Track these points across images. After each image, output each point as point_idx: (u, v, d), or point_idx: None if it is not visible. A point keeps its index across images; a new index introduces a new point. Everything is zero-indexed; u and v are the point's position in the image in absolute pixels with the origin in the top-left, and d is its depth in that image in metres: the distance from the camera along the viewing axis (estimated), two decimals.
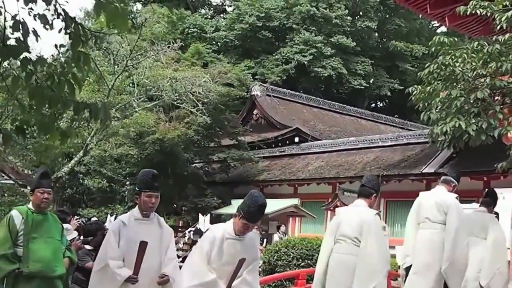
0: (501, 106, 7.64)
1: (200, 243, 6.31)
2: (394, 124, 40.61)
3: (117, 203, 29.69)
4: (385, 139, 28.64)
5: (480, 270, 8.77)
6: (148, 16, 25.51)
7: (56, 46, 5.05)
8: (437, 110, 7.93)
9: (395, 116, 45.21)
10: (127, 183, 29.99)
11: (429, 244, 8.31)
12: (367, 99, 51.12)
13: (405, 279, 8.64)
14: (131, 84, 25.79)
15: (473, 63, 7.50)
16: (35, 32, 4.61)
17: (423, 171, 22.65)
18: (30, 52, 4.59)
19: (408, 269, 8.58)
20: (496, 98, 7.79)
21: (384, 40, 50.95)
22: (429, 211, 8.46)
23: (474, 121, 7.56)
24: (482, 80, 7.50)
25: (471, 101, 7.60)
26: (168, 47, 26.22)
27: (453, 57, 7.62)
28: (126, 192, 29.97)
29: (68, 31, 4.54)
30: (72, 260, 7.52)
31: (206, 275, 5.95)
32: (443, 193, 8.45)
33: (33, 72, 4.48)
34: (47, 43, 6.50)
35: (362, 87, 47.29)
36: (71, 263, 7.51)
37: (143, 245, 6.26)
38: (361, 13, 49.09)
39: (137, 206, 6.66)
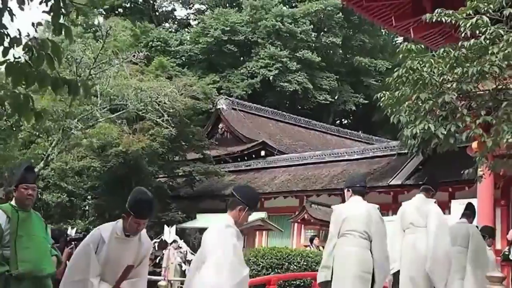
0: (468, 110, 7.92)
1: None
2: (360, 139, 41.04)
3: (77, 218, 29.26)
4: (352, 152, 29.00)
5: (463, 277, 9.11)
6: (112, 25, 25.48)
7: (33, 24, 4.89)
8: (406, 114, 8.17)
9: (360, 131, 45.73)
10: (89, 197, 29.77)
11: (414, 246, 8.91)
12: (333, 114, 51.52)
13: (392, 284, 9.02)
14: (95, 93, 25.41)
15: (440, 68, 7.76)
16: (10, 12, 4.55)
17: (390, 183, 23.00)
18: (7, 28, 4.52)
19: (396, 274, 8.99)
20: (463, 102, 8.06)
21: (349, 55, 51.44)
22: (412, 217, 9.15)
23: (442, 124, 7.82)
24: (449, 85, 7.76)
25: (439, 105, 7.86)
26: (134, 56, 26.14)
27: (420, 62, 7.87)
28: (87, 207, 29.74)
29: (49, 3, 4.52)
30: (59, 258, 7.29)
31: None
32: (423, 200, 9.24)
33: (10, 46, 4.41)
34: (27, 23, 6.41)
35: (328, 102, 47.73)
36: (58, 262, 7.24)
37: (128, 269, 6.14)
38: (326, 29, 49.55)
39: (121, 223, 6.20)
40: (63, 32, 4.69)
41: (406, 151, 24.86)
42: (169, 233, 23.69)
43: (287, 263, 13.92)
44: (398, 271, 8.98)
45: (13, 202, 6.59)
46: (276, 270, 13.74)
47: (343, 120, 56.21)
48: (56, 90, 4.76)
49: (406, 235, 9.20)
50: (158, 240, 24.89)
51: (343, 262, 7.79)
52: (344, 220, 8.00)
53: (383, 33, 55.43)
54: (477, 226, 10.35)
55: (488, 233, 10.96)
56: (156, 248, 25.52)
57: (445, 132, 7.72)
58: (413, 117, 8.13)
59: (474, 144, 15.40)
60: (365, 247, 7.82)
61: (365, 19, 49.00)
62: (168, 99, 25.83)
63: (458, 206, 14.69)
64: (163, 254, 24.02)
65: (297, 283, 13.42)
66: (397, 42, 54.20)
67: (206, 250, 5.84)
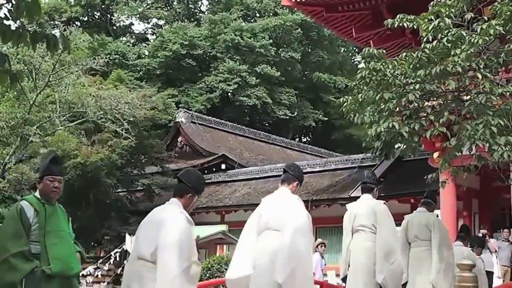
0: (432, 109, 8.15)
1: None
2: (320, 155, 41.30)
3: None
4: (313, 165, 29.25)
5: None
6: (70, 36, 25.37)
7: None
8: (370, 114, 8.39)
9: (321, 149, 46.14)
10: None
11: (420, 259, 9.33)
12: (292, 130, 51.82)
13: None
14: (53, 101, 25.32)
15: (403, 69, 8.00)
16: None
17: (351, 195, 23.24)
18: None
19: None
20: (426, 102, 8.31)
21: (308, 71, 51.91)
22: (417, 230, 9.51)
23: (406, 123, 8.04)
24: (412, 86, 7.99)
25: (403, 104, 8.10)
26: (94, 62, 26.14)
27: (384, 63, 8.10)
28: None
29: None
30: (82, 254, 6.77)
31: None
32: (427, 214, 9.67)
33: None
34: None
35: (287, 117, 48.08)
36: (81, 258, 6.74)
37: None
38: (285, 44, 49.91)
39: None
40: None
41: (367, 163, 25.30)
42: (130, 242, 23.51)
43: None
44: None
45: (37, 194, 6.19)
46: None
47: (302, 137, 56.54)
48: (35, 46, 4.69)
49: (412, 248, 9.66)
50: (120, 250, 24.69)
51: (355, 256, 8.61)
52: (355, 217, 8.74)
53: (342, 50, 56.14)
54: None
55: (477, 242, 11.83)
56: (112, 262, 25.26)
57: (409, 130, 7.93)
58: (377, 117, 8.32)
59: (436, 155, 15.83)
60: (374, 240, 8.52)
61: (323, 35, 49.86)
62: (128, 107, 25.81)
63: None
64: (124, 266, 23.90)
65: None
66: (355, 60, 55.08)
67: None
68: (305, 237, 7.15)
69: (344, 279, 8.93)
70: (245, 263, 7.14)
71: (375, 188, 9.16)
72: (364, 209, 8.74)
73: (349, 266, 8.78)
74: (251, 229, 7.46)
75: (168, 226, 5.67)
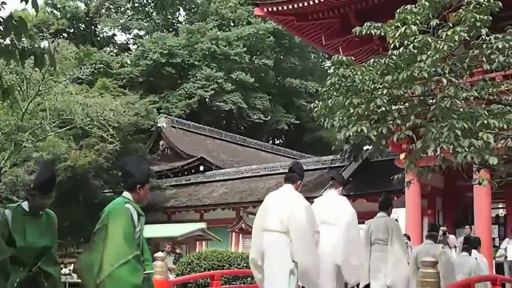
0: (399, 113, 7.93)
1: None
2: (293, 156, 41.14)
3: None
4: (286, 166, 28.97)
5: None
6: (57, 48, 25.17)
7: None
8: (339, 118, 8.13)
9: (294, 150, 46.08)
10: None
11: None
12: (266, 133, 51.79)
13: None
14: (44, 109, 25.26)
15: (371, 75, 7.76)
16: None
17: (322, 194, 23.05)
18: None
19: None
20: (394, 107, 8.08)
21: (281, 77, 51.88)
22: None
23: (374, 127, 7.81)
24: (380, 91, 7.77)
25: (371, 109, 7.86)
26: (80, 71, 26.16)
27: (352, 70, 7.87)
28: None
29: None
30: None
31: None
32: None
33: None
34: None
35: (261, 121, 47.99)
36: None
37: None
38: (258, 52, 49.85)
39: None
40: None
41: (337, 164, 25.14)
42: None
43: (227, 265, 13.96)
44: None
45: (130, 198, 5.64)
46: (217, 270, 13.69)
47: (276, 139, 56.46)
48: (23, 61, 4.69)
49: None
50: None
51: (375, 264, 9.19)
52: (372, 232, 9.37)
53: (313, 56, 56.13)
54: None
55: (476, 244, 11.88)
56: None
57: (377, 134, 7.72)
58: (346, 121, 8.11)
59: (402, 155, 15.68)
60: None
61: (295, 43, 49.82)
62: (113, 114, 25.79)
63: None
64: None
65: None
66: (325, 65, 55.07)
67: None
68: (355, 228, 8.60)
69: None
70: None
71: (391, 207, 9.68)
72: (381, 225, 9.32)
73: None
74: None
75: (297, 204, 7.30)
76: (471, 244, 11.54)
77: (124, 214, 5.44)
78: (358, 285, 9.31)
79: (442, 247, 12.31)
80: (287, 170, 25.63)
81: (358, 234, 8.81)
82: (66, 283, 23.87)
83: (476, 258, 11.33)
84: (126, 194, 5.60)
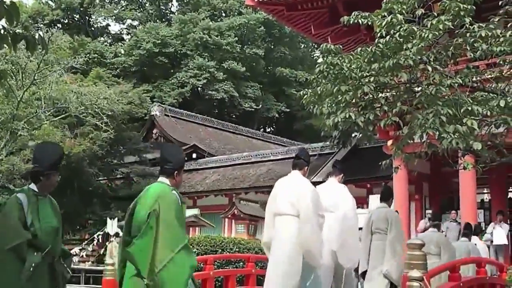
0: (386, 100, 7.98)
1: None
2: (283, 144, 41.25)
3: None
4: (276, 153, 29.20)
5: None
6: (52, 38, 25.10)
7: None
8: (328, 105, 8.18)
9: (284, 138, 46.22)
10: None
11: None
12: (257, 121, 51.86)
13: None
14: (39, 98, 25.28)
15: (359, 63, 7.80)
16: None
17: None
18: None
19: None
20: (380, 94, 8.13)
21: (271, 66, 51.93)
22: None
23: (362, 113, 7.87)
24: (367, 78, 7.81)
25: (359, 96, 7.91)
26: (74, 61, 26.12)
27: (340, 58, 7.90)
28: None
29: None
30: None
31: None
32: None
33: None
34: None
35: (252, 109, 48.15)
36: None
37: None
38: (249, 42, 49.89)
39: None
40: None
41: (326, 151, 25.22)
42: (111, 226, 23.47)
43: (220, 250, 13.94)
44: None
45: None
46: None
47: (266, 127, 56.54)
48: (15, 46, 4.65)
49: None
50: (102, 233, 24.67)
51: (375, 252, 9.29)
52: (373, 221, 9.50)
53: (302, 46, 56.15)
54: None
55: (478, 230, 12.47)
56: (96, 243, 25.29)
57: (365, 120, 7.77)
58: (335, 108, 8.15)
59: (389, 142, 15.75)
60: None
61: (285, 33, 49.84)
62: (107, 102, 25.79)
63: (375, 200, 14.92)
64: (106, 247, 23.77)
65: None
66: (315, 55, 55.10)
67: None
68: (353, 216, 8.74)
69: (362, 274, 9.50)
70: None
71: (391, 198, 9.89)
72: (381, 216, 9.40)
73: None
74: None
75: (303, 188, 7.56)
76: (471, 230, 11.85)
77: (174, 201, 5.60)
78: (357, 271, 9.44)
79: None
80: (278, 157, 25.67)
81: (355, 222, 8.87)
82: None
83: (475, 244, 11.76)
84: (163, 179, 5.78)
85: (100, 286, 8.39)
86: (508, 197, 20.29)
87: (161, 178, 5.80)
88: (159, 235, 5.37)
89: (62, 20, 51.88)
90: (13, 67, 23.85)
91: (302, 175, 8.03)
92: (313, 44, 52.96)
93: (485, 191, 20.42)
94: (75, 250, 25.61)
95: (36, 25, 45.82)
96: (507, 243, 16.87)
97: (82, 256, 25.82)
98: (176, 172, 5.81)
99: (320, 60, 8.52)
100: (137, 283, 5.39)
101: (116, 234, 24.02)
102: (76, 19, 54.08)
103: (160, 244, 5.35)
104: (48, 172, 5.70)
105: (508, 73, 7.68)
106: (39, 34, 5.10)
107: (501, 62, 7.62)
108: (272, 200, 7.93)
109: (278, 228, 7.69)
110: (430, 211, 17.62)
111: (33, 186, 5.76)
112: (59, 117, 26.11)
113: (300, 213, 7.61)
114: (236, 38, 47.91)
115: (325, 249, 8.00)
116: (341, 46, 8.63)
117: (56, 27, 47.36)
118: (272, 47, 52.53)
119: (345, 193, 8.87)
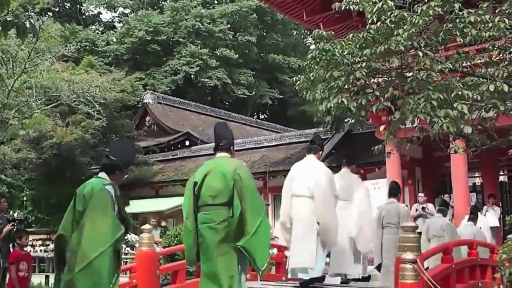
0: (377, 86, 8.11)
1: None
2: (276, 130, 41.30)
3: (16, 208, 28.83)
4: (270, 139, 29.28)
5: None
6: (43, 25, 25.00)
7: None
8: (321, 91, 8.31)
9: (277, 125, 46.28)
10: (26, 188, 29.15)
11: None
12: (251, 108, 51.88)
13: None
14: (30, 86, 25.15)
15: (350, 49, 7.91)
16: None
17: None
18: None
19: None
20: (372, 80, 8.25)
21: (264, 53, 51.89)
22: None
23: (354, 98, 8.00)
24: (359, 64, 7.92)
25: (351, 81, 8.03)
26: (66, 49, 26.06)
27: (332, 44, 8.01)
28: (25, 198, 29.11)
29: None
30: None
31: None
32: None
33: None
34: None
35: (246, 96, 48.13)
36: None
37: None
38: (241, 29, 49.80)
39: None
40: None
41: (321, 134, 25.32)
42: None
43: None
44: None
45: None
46: None
47: (260, 114, 56.58)
48: (6, 33, 4.71)
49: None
50: None
51: (387, 245, 9.64)
52: (383, 216, 9.89)
53: (295, 33, 56.13)
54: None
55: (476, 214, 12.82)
56: None
57: (357, 106, 7.90)
58: (327, 94, 8.27)
59: (382, 127, 15.88)
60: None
61: (277, 19, 49.77)
62: (99, 90, 25.73)
63: (369, 185, 15.10)
64: None
65: None
66: (307, 42, 55.11)
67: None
68: (368, 202, 9.50)
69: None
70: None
71: (399, 194, 10.31)
72: (392, 211, 9.81)
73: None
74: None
75: (319, 171, 8.36)
76: (476, 214, 12.54)
77: (248, 170, 6.45)
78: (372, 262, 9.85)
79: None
80: (271, 144, 25.80)
81: (370, 210, 9.92)
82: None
83: (480, 227, 12.42)
84: (223, 154, 6.50)
85: None
86: (499, 180, 20.54)
87: (220, 154, 6.48)
88: (247, 202, 6.03)
89: (52, 8, 51.50)
90: (4, 56, 23.75)
91: (316, 158, 8.80)
92: (305, 31, 52.94)
93: (476, 175, 20.64)
94: None
95: (27, 13, 45.66)
96: (498, 225, 17.09)
97: None
98: (232, 147, 6.60)
99: (312, 46, 8.62)
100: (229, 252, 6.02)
101: None
102: (67, 7, 53.74)
103: (250, 211, 6.04)
104: (125, 166, 6.40)
105: (497, 58, 7.78)
106: (30, 21, 5.17)
107: (490, 47, 7.73)
108: (289, 183, 8.71)
109: (295, 208, 8.43)
110: (422, 195, 17.80)
111: (105, 176, 6.29)
112: (51, 106, 25.96)
113: (316, 194, 8.39)
114: (229, 25, 47.84)
115: (343, 236, 8.91)
116: (333, 33, 8.74)
117: (47, 15, 47.06)
118: (264, 34, 52.51)
119: (359, 182, 9.80)
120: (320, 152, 9.03)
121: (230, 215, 6.04)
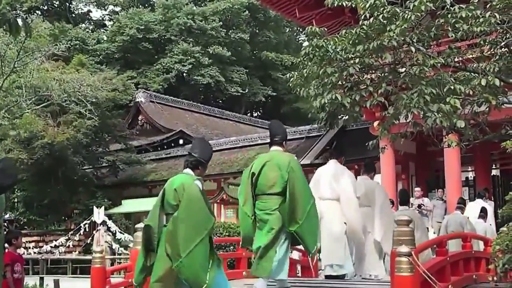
0: (371, 81, 8.22)
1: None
2: None
3: (7, 210, 28.74)
4: (264, 137, 29.28)
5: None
6: (32, 24, 24.94)
7: None
8: (314, 87, 8.42)
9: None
10: (17, 189, 29.12)
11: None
12: (244, 106, 51.95)
13: None
14: (19, 86, 25.07)
15: (344, 45, 8.01)
16: None
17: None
18: None
19: None
20: (366, 75, 8.36)
21: (257, 50, 51.91)
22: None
23: (348, 94, 8.11)
24: (352, 60, 8.02)
25: (345, 77, 8.15)
26: (55, 48, 25.92)
27: (325, 40, 8.11)
28: (16, 199, 29.10)
29: None
30: None
31: None
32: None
33: None
34: None
35: (239, 94, 48.21)
36: None
37: None
38: (234, 26, 49.86)
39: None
40: None
41: (314, 134, 25.46)
42: (98, 214, 23.51)
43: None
44: None
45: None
46: None
47: (253, 112, 56.69)
48: None
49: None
50: (88, 222, 24.69)
51: None
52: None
53: (287, 30, 56.24)
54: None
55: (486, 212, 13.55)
56: (82, 233, 25.31)
57: (351, 101, 8.00)
58: (321, 90, 8.37)
59: (376, 123, 16.03)
60: None
61: (270, 17, 49.84)
62: (90, 89, 25.71)
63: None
64: (93, 236, 23.86)
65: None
66: (300, 39, 55.22)
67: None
68: (389, 205, 10.04)
69: None
70: None
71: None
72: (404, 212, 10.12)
73: None
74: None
75: (343, 176, 9.13)
76: (486, 212, 13.36)
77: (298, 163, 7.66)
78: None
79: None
80: (266, 141, 25.91)
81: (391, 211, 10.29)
82: (48, 260, 23.89)
83: (490, 224, 13.76)
84: (276, 148, 7.64)
85: (88, 276, 8.76)
86: (492, 174, 20.75)
87: (274, 147, 7.60)
88: (299, 191, 7.22)
89: (41, 6, 51.36)
90: None
91: (339, 163, 9.53)
92: (298, 28, 53.10)
93: (469, 169, 20.83)
94: (61, 240, 25.62)
95: (15, 12, 45.53)
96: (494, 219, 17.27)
97: (68, 246, 25.69)
98: (284, 142, 7.65)
99: (305, 43, 8.71)
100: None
101: (103, 223, 24.16)
102: (56, 5, 53.57)
103: (301, 199, 7.24)
104: (207, 163, 7.03)
105: (489, 52, 7.90)
106: (22, 18, 5.20)
107: (481, 42, 7.83)
108: (315, 186, 9.10)
109: (323, 210, 8.81)
110: (418, 189, 17.99)
111: (191, 172, 6.89)
112: (41, 106, 25.93)
113: (341, 197, 9.08)
114: (221, 23, 47.84)
115: (369, 238, 9.40)
116: (326, 29, 8.83)
117: (35, 13, 46.93)
118: (257, 31, 52.61)
119: (379, 186, 10.24)
120: (342, 158, 9.79)
121: (283, 203, 7.22)
